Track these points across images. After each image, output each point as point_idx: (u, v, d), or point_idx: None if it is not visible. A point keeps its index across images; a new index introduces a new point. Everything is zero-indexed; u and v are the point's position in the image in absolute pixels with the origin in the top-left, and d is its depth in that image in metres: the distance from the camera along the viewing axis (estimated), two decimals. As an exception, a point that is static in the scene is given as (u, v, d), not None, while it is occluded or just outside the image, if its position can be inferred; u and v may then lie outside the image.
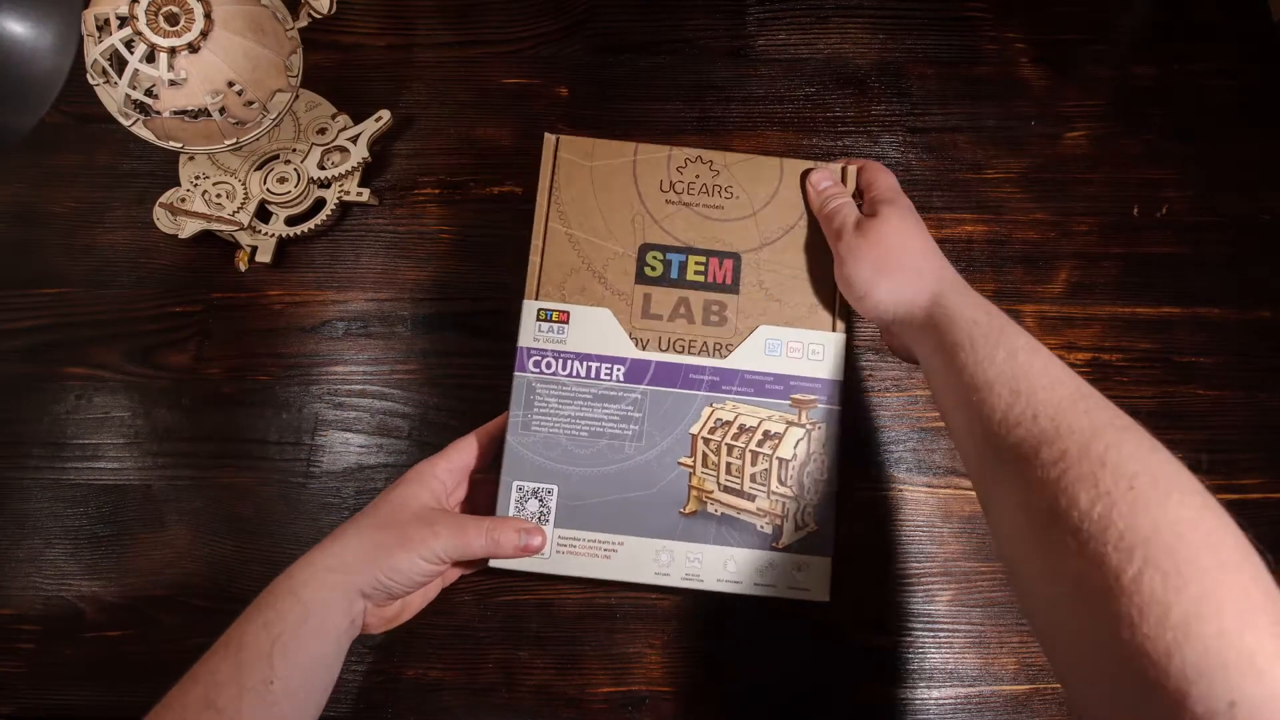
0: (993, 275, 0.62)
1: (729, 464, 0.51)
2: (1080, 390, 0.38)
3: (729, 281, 0.52)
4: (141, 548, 0.55)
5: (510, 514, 0.49)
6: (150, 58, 0.51)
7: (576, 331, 0.51)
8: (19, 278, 0.62)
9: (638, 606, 0.54)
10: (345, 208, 0.63)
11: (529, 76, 0.68)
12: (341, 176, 0.61)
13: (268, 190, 0.60)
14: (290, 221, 0.62)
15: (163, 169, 0.63)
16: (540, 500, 0.49)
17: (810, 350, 0.51)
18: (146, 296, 0.61)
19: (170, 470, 0.57)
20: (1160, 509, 0.32)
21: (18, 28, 0.65)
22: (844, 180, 0.53)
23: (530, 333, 0.51)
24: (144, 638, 0.53)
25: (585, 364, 0.50)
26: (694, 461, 0.50)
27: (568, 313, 0.51)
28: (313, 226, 0.61)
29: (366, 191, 0.62)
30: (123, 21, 0.50)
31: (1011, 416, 0.38)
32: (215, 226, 0.60)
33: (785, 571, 0.49)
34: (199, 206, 0.60)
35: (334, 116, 0.63)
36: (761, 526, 0.50)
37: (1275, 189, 0.65)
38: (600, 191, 0.53)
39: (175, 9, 0.50)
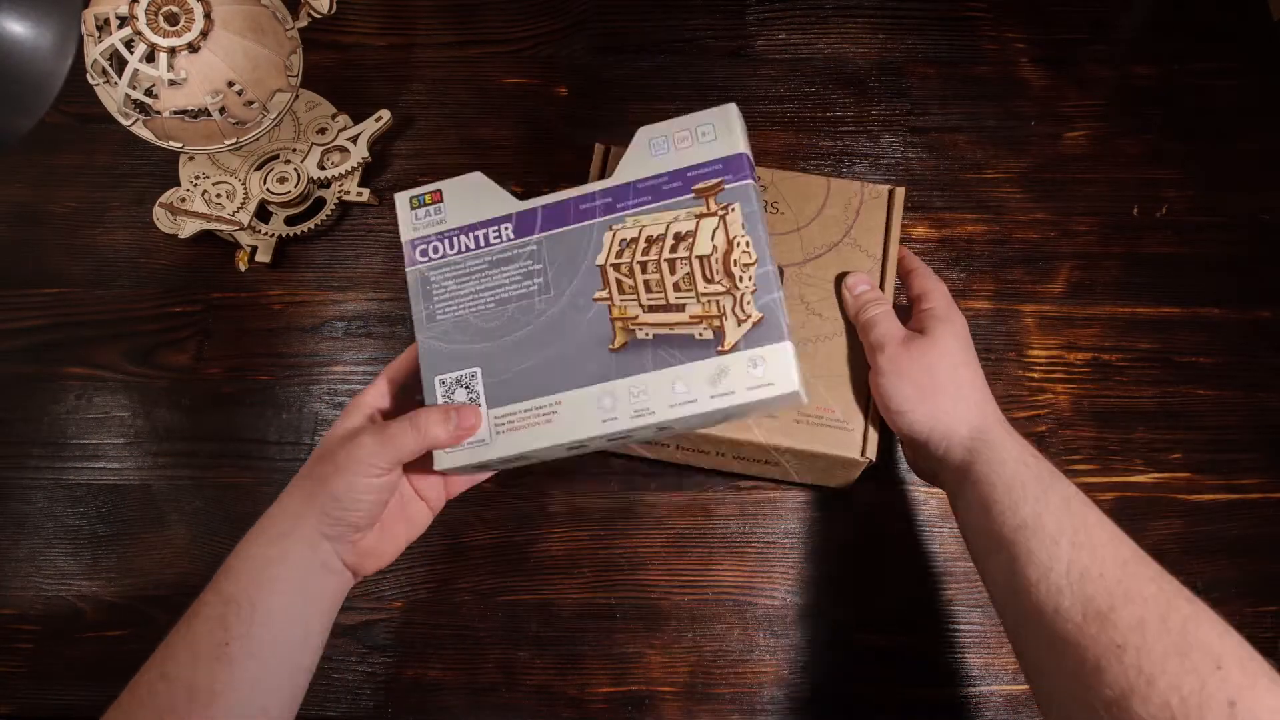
0: (993, 275, 0.62)
1: (646, 282, 0.45)
2: (1138, 552, 0.38)
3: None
4: (141, 548, 0.55)
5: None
6: (150, 58, 0.51)
7: (454, 206, 0.47)
8: (19, 278, 0.62)
9: (638, 606, 0.54)
10: (345, 208, 0.63)
11: (529, 76, 0.68)
12: (341, 176, 0.61)
13: (268, 190, 0.60)
14: (290, 221, 0.62)
15: (163, 169, 0.63)
16: (467, 388, 0.45)
17: (700, 133, 0.46)
18: (146, 296, 0.61)
19: (170, 470, 0.57)
20: (1252, 693, 0.32)
21: (18, 28, 0.65)
22: (884, 268, 0.51)
23: (409, 225, 0.47)
24: (144, 638, 0.53)
25: (471, 235, 0.47)
26: (608, 293, 0.45)
27: (439, 191, 0.48)
28: (313, 226, 0.61)
29: (366, 191, 0.62)
30: (123, 21, 0.50)
31: (1076, 568, 0.37)
32: (215, 226, 0.60)
33: (741, 371, 0.43)
34: (199, 206, 0.60)
35: (334, 116, 0.63)
36: (700, 334, 0.44)
37: (1275, 189, 0.65)
38: None
39: (175, 9, 0.50)
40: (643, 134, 0.46)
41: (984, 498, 0.41)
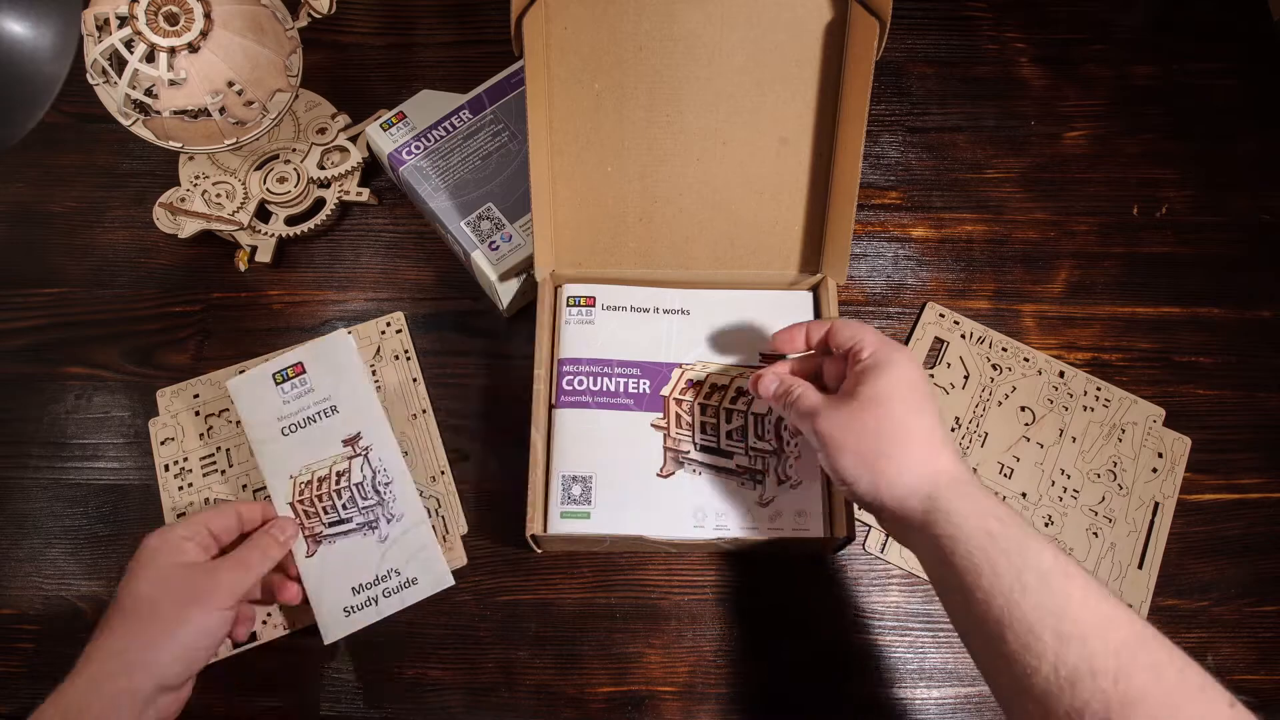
0: (993, 275, 0.62)
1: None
2: (1135, 631, 0.33)
3: None
4: (141, 548, 0.55)
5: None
6: (150, 57, 0.51)
7: (417, 117, 0.60)
8: (19, 278, 0.62)
9: (638, 606, 0.54)
10: (345, 208, 0.63)
11: (529, 76, 0.67)
12: (341, 176, 0.61)
13: (268, 190, 0.60)
14: (290, 221, 0.62)
15: (163, 169, 0.63)
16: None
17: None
18: (146, 296, 0.61)
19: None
20: None
21: (18, 28, 0.65)
22: (808, 341, 0.48)
23: (387, 141, 0.59)
24: (144, 638, 0.53)
25: (439, 128, 0.59)
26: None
27: (401, 111, 0.60)
28: (313, 226, 0.61)
29: (366, 191, 0.62)
30: (123, 21, 0.50)
31: (1063, 670, 0.32)
32: (215, 226, 0.60)
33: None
34: (199, 206, 0.60)
35: (334, 116, 0.63)
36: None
37: (1275, 189, 0.65)
38: None
39: (175, 9, 0.50)
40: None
41: (954, 579, 0.37)
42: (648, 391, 0.53)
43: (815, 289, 0.56)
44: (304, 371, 0.53)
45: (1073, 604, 0.33)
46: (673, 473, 0.51)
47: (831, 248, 0.53)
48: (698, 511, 0.50)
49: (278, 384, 0.52)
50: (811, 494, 0.51)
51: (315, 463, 0.52)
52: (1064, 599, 0.33)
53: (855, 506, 0.48)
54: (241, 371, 0.58)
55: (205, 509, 0.48)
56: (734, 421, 0.52)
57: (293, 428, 0.52)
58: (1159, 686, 0.31)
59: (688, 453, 0.51)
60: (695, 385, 0.53)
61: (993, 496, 0.38)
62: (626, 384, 0.53)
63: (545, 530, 0.49)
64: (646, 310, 0.55)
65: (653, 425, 0.52)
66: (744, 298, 0.55)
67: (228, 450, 0.56)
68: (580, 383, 0.52)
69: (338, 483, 0.52)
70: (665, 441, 0.52)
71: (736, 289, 0.55)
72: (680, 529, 0.50)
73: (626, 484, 0.50)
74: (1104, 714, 0.31)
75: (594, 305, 0.54)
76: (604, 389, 0.52)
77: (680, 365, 0.53)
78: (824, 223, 0.54)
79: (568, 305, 0.54)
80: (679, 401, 0.52)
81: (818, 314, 0.55)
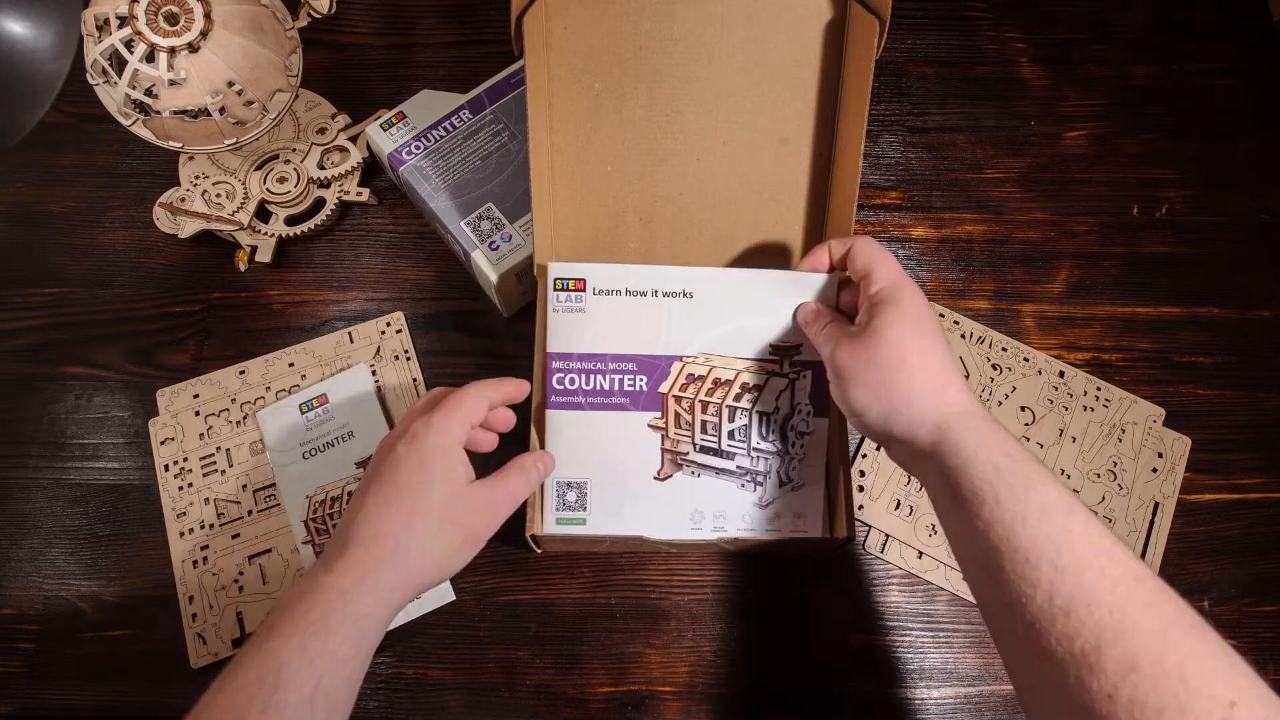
0: (993, 275, 0.62)
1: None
2: (1134, 570, 0.33)
3: None
4: (141, 548, 0.55)
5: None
6: (150, 57, 0.51)
7: (417, 117, 0.59)
8: (19, 278, 0.62)
9: (638, 606, 0.53)
10: (345, 208, 0.63)
11: (529, 76, 0.67)
12: (341, 176, 0.61)
13: (268, 190, 0.60)
14: (290, 221, 0.62)
15: (163, 169, 0.63)
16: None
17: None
18: (146, 296, 0.61)
19: (170, 470, 0.57)
20: None
21: (18, 28, 0.65)
22: (831, 259, 0.47)
23: (387, 141, 0.58)
24: (143, 638, 0.53)
25: (439, 128, 0.58)
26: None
27: (401, 111, 0.59)
28: (313, 226, 0.61)
29: (366, 191, 0.62)
30: (123, 21, 0.50)
31: (1058, 599, 0.32)
32: (215, 226, 0.60)
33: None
34: (199, 206, 0.60)
35: (334, 116, 0.63)
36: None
37: (1275, 189, 0.65)
38: None
39: (175, 9, 0.50)
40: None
41: (958, 508, 0.37)
42: (644, 389, 0.49)
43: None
44: (327, 402, 0.56)
45: (1073, 538, 0.33)
46: (670, 475, 0.49)
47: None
48: (695, 513, 0.50)
49: (303, 414, 0.55)
50: (812, 496, 0.50)
51: (329, 483, 0.54)
52: (1064, 533, 0.34)
53: (855, 509, 0.48)
54: (242, 373, 0.58)
55: (463, 399, 0.43)
56: (738, 420, 0.49)
57: (312, 452, 0.55)
58: (1153, 621, 0.31)
59: (686, 454, 0.49)
60: (697, 380, 0.49)
61: (1002, 430, 0.38)
62: (622, 381, 0.49)
63: (540, 530, 0.49)
64: (644, 294, 0.49)
65: (650, 426, 0.49)
66: (754, 278, 0.49)
67: (228, 450, 0.56)
68: (571, 381, 0.49)
69: (349, 502, 0.53)
70: (663, 443, 0.49)
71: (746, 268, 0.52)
72: (678, 530, 0.49)
73: (622, 488, 0.49)
74: (1095, 642, 0.31)
75: (584, 290, 0.49)
76: (597, 388, 0.49)
77: (681, 358, 0.49)
78: (824, 223, 0.53)
79: (554, 289, 0.49)
80: (679, 399, 0.49)
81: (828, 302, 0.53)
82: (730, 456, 0.49)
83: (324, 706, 0.35)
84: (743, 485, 0.50)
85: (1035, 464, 0.37)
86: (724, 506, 0.50)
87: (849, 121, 0.50)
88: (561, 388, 0.50)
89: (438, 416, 0.42)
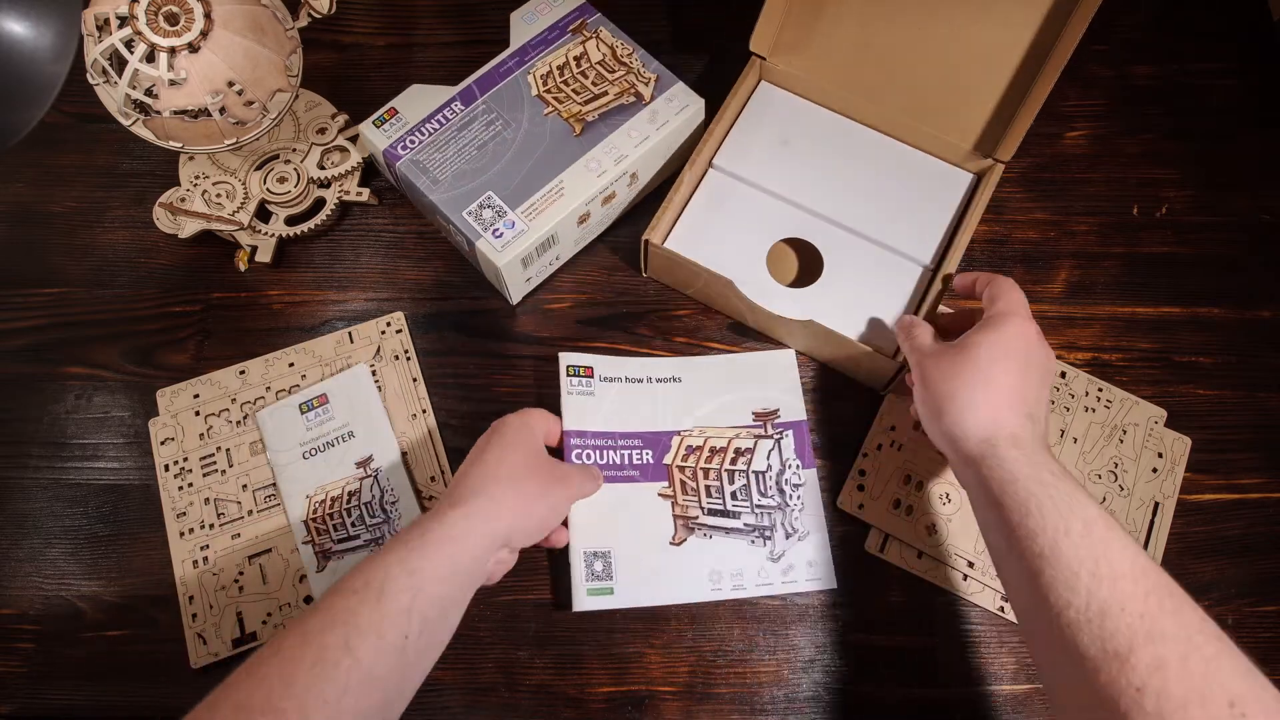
0: (993, 275, 0.62)
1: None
2: (1162, 582, 0.36)
3: None
4: (141, 548, 0.55)
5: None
6: (150, 57, 0.51)
7: (409, 112, 0.59)
8: (19, 278, 0.62)
9: (638, 606, 0.53)
10: (345, 208, 0.63)
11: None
12: (341, 176, 0.61)
13: (268, 190, 0.60)
14: (290, 221, 0.62)
15: (163, 169, 0.63)
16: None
17: (554, 1, 0.60)
18: (146, 296, 0.61)
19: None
20: None
21: (18, 28, 0.65)
22: (975, 286, 0.52)
23: (381, 138, 0.58)
24: (143, 638, 0.53)
25: (432, 121, 0.58)
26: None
27: (393, 108, 0.59)
28: (313, 226, 0.61)
29: (366, 191, 0.62)
30: (123, 21, 0.50)
31: (1094, 605, 0.35)
32: (215, 226, 0.60)
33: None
34: (199, 206, 0.60)
35: (334, 116, 0.63)
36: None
37: (1275, 189, 0.65)
38: None
39: (175, 9, 0.50)
40: (515, 15, 0.62)
41: (1000, 518, 0.40)
42: (651, 461, 0.55)
43: (980, 175, 0.60)
44: (327, 402, 0.56)
45: (1112, 551, 0.37)
46: (684, 539, 0.53)
47: (1014, 129, 0.56)
48: (713, 574, 0.52)
49: (303, 413, 0.55)
50: (818, 543, 0.53)
51: (329, 483, 0.54)
52: (1104, 546, 0.37)
53: (856, 507, 0.48)
54: (242, 373, 0.58)
55: (542, 412, 0.52)
56: (737, 482, 0.54)
57: (312, 451, 0.55)
58: (1180, 628, 0.34)
59: (696, 518, 0.53)
60: (695, 450, 0.55)
61: (1052, 458, 0.41)
62: (631, 455, 0.55)
63: (573, 608, 0.51)
64: (640, 380, 0.57)
65: (660, 495, 0.54)
66: (727, 361, 0.58)
67: (228, 450, 0.56)
68: (588, 456, 0.54)
69: (348, 501, 0.53)
70: (673, 509, 0.53)
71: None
72: (699, 592, 0.52)
73: (643, 556, 0.52)
74: (1128, 643, 0.34)
75: (592, 376, 0.56)
76: (610, 462, 0.54)
77: (679, 432, 0.55)
78: (1016, 107, 0.56)
79: (568, 375, 0.56)
80: (682, 468, 0.54)
81: (967, 206, 0.59)
82: (736, 515, 0.53)
83: (418, 620, 0.39)
84: (752, 541, 0.53)
85: (1078, 485, 0.40)
86: (739, 564, 0.52)
87: (1074, 25, 0.53)
88: (580, 462, 0.54)
89: (525, 410, 0.51)
